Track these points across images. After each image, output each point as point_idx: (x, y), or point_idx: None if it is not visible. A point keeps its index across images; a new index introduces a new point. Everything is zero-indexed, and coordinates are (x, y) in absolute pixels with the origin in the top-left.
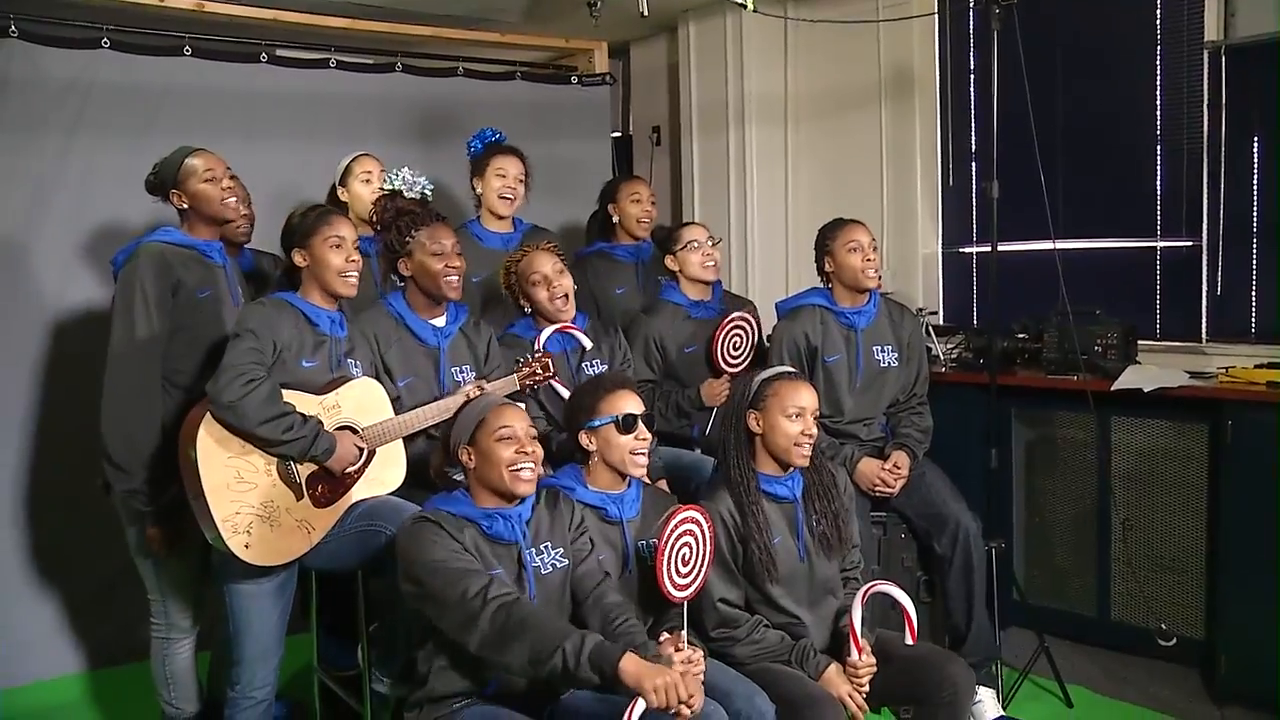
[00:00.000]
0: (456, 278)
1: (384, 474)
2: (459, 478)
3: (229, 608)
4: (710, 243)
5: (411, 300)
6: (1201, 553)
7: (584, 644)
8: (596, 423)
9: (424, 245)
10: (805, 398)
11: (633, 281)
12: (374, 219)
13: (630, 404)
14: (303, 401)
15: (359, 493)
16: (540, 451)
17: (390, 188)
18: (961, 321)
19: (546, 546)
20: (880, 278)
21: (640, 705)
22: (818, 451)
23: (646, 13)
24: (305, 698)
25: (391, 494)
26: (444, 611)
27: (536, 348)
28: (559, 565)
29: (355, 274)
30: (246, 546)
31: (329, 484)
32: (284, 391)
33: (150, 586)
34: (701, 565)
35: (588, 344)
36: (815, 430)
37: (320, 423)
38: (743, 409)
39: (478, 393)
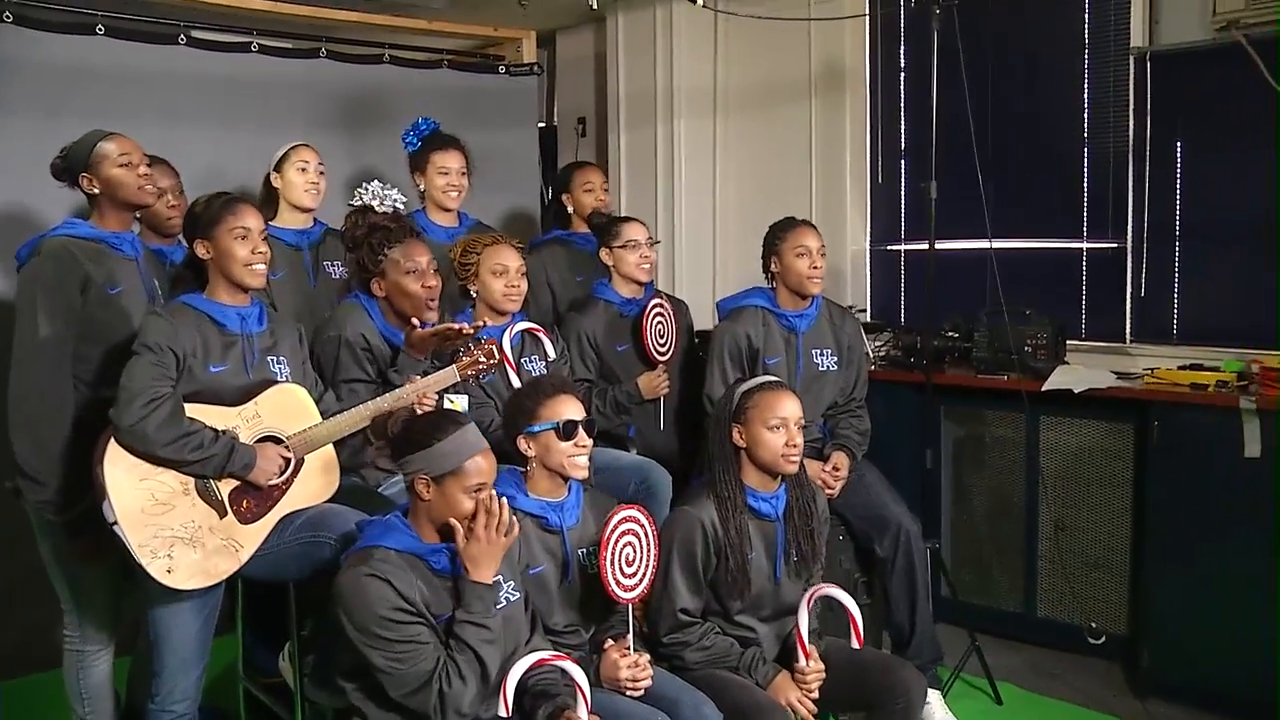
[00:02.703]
0: (435, 299)
1: (314, 483)
2: (385, 466)
3: (149, 618)
4: (649, 243)
5: (385, 312)
6: (1127, 550)
7: None
8: (536, 428)
9: (398, 264)
10: (786, 407)
11: (592, 269)
12: (344, 237)
13: (571, 409)
14: (219, 415)
15: (289, 504)
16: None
17: (359, 203)
18: (888, 319)
19: (498, 580)
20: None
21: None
22: (802, 466)
23: (595, 5)
24: (230, 706)
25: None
26: (393, 684)
27: (501, 340)
28: (513, 599)
29: (262, 265)
30: (169, 571)
31: (255, 499)
32: (198, 407)
33: (64, 598)
34: (647, 565)
35: (552, 352)
36: (800, 440)
37: (234, 437)
38: (726, 422)
39: (411, 390)
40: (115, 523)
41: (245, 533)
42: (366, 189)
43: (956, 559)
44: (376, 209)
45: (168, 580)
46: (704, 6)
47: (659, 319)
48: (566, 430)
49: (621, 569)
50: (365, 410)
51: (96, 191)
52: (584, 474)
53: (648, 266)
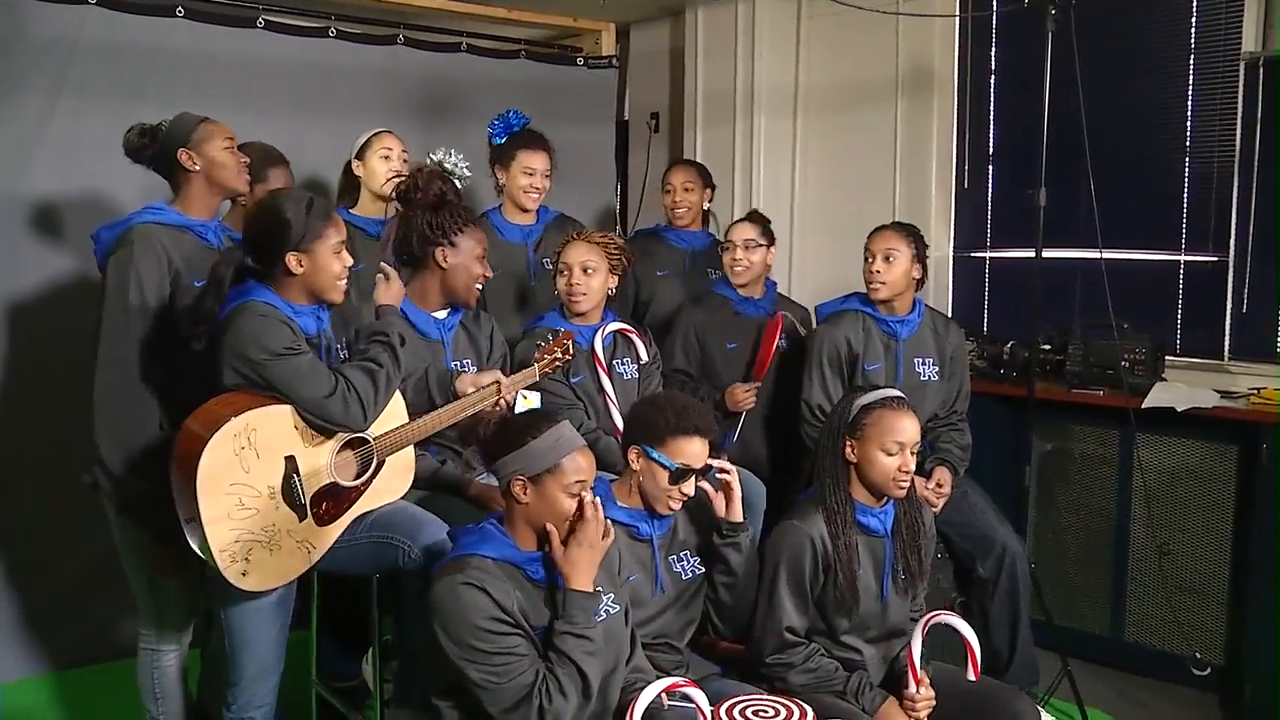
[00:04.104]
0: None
1: (391, 484)
2: (481, 477)
3: (225, 625)
4: (745, 246)
5: (414, 292)
6: (1225, 576)
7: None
8: (653, 454)
9: (473, 247)
10: (907, 430)
11: (678, 267)
12: (414, 190)
13: (696, 455)
14: None
15: (365, 505)
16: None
17: (439, 162)
18: (970, 328)
19: (599, 589)
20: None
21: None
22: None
23: None
24: (299, 708)
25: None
26: (491, 700)
27: (593, 341)
28: (612, 611)
29: (346, 278)
30: (244, 574)
31: (334, 501)
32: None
33: (142, 599)
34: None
35: (645, 355)
36: (913, 464)
37: (376, 338)
38: (840, 434)
39: (493, 386)
40: (193, 519)
41: (320, 534)
42: (449, 155)
43: (1041, 579)
44: (458, 182)
45: (241, 583)
46: None
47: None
48: (678, 475)
49: None
50: (447, 413)
51: (196, 169)
52: (675, 511)
53: (739, 269)
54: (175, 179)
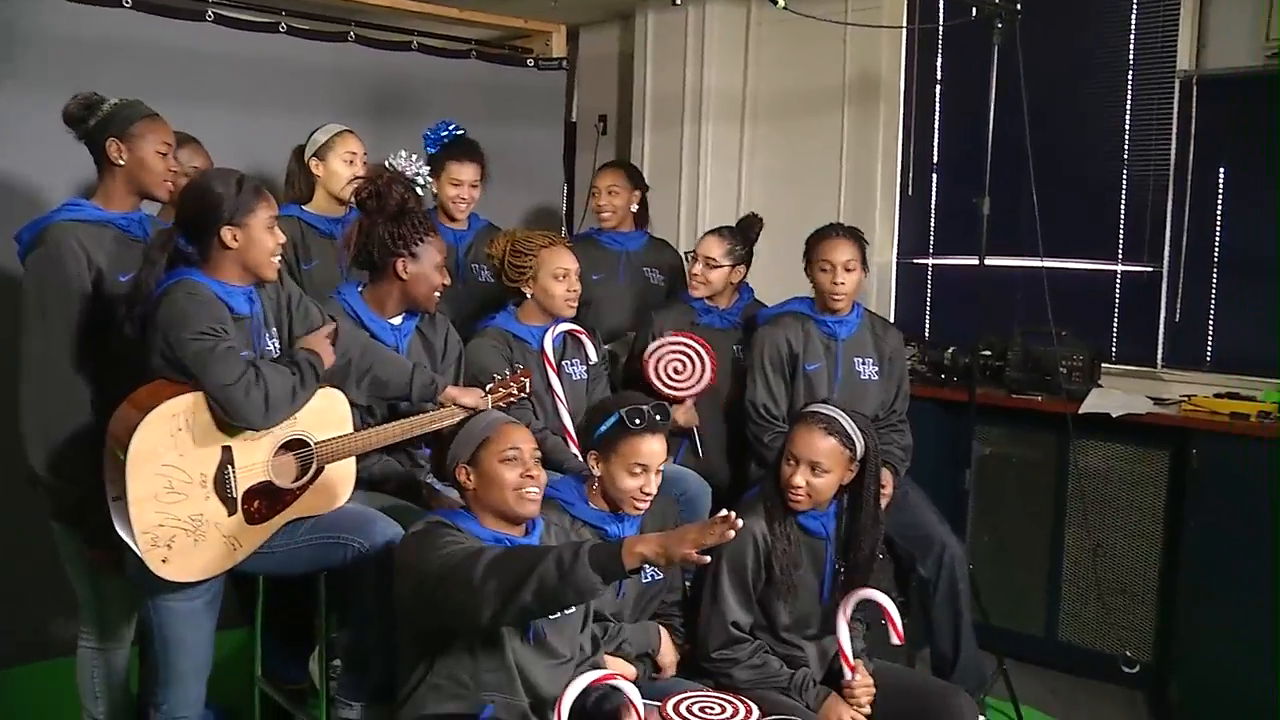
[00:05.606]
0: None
1: (329, 492)
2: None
3: (153, 623)
4: (706, 263)
5: (372, 298)
6: (1155, 578)
7: (581, 546)
8: (613, 456)
9: (433, 256)
10: (802, 444)
11: (613, 269)
12: (374, 197)
13: (654, 455)
14: None
15: (298, 510)
16: (544, 475)
17: (400, 169)
18: (912, 333)
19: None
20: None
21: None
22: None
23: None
24: (239, 705)
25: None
26: (451, 590)
27: (543, 340)
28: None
29: (279, 254)
30: (164, 561)
31: (266, 501)
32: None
33: (84, 598)
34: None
35: (594, 356)
36: (802, 481)
37: (303, 356)
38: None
39: (445, 413)
40: (119, 498)
41: (249, 533)
42: (410, 163)
43: (978, 580)
44: (416, 189)
45: (162, 570)
46: (784, 8)
47: (674, 358)
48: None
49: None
50: (394, 429)
51: (121, 163)
52: (642, 510)
53: (694, 284)
54: (100, 165)
